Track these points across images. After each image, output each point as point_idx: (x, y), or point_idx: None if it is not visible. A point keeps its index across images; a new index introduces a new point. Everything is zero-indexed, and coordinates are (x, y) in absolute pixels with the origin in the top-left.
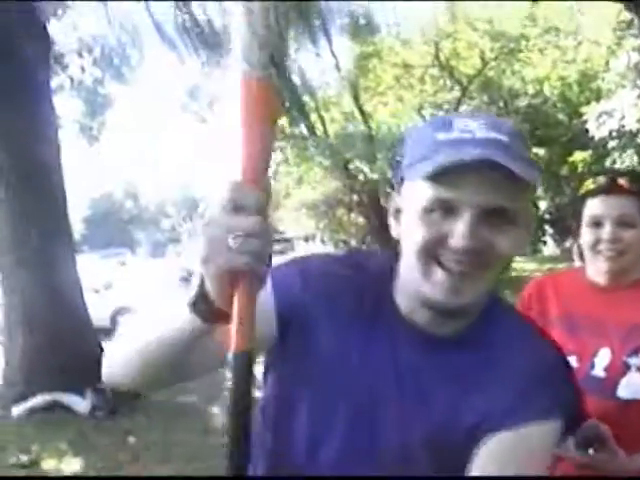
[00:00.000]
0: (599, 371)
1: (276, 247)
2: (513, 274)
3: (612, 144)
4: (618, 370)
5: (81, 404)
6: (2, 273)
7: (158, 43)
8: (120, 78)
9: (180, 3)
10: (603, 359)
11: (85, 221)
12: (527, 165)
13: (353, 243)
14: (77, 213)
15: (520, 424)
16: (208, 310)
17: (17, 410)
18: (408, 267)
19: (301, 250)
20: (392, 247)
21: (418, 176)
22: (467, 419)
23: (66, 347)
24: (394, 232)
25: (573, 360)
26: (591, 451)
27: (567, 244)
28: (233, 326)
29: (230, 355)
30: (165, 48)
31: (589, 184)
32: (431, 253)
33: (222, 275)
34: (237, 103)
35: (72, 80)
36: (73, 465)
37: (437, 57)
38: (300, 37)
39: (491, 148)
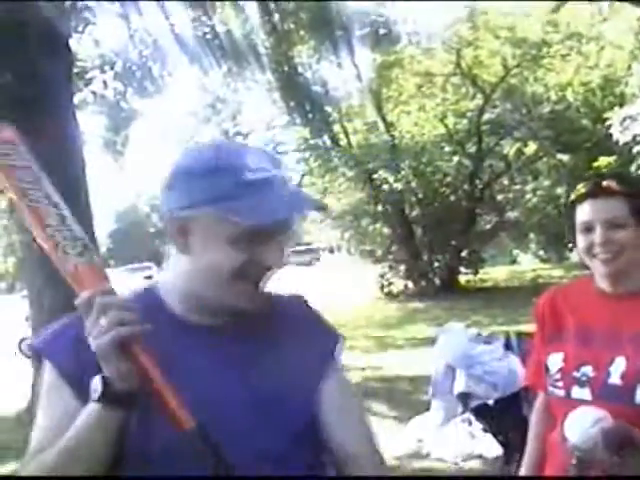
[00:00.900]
0: (616, 379)
1: (303, 259)
2: (540, 281)
3: (637, 149)
4: (634, 377)
5: None
6: (30, 291)
7: (180, 56)
8: (143, 92)
9: (200, 14)
10: (619, 367)
11: (111, 236)
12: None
13: (379, 253)
14: (103, 228)
15: (331, 370)
16: (113, 395)
17: None
18: (198, 279)
19: (327, 261)
20: (417, 255)
21: (235, 215)
22: (286, 389)
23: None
24: (176, 247)
25: (589, 370)
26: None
27: None
28: (167, 412)
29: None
30: (187, 61)
31: (579, 190)
32: (242, 273)
33: (110, 348)
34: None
35: (95, 95)
36: None
37: (459, 65)
38: (322, 48)
39: (288, 190)
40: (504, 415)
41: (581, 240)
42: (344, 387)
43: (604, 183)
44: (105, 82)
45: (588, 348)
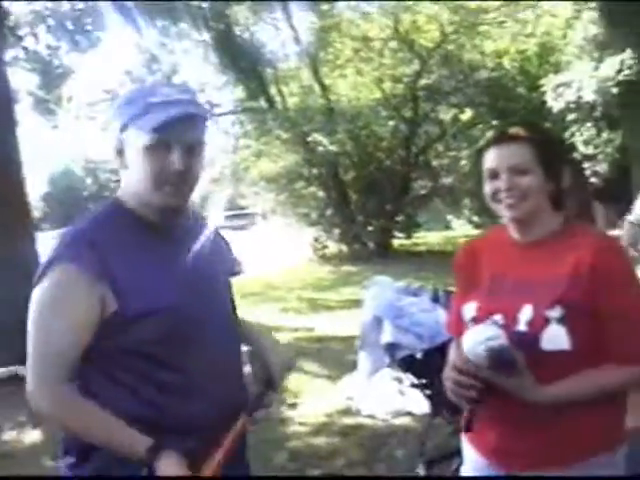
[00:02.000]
0: (522, 326)
1: (238, 222)
2: None
3: (571, 117)
4: (540, 324)
5: None
6: None
7: (114, 14)
8: (76, 46)
9: None
10: (526, 314)
11: (44, 199)
12: (205, 109)
13: (313, 216)
14: (37, 191)
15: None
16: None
17: None
18: (138, 185)
19: (261, 224)
20: (352, 218)
21: (143, 127)
22: (215, 283)
23: (27, 321)
24: (117, 165)
25: (499, 318)
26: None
27: None
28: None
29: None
30: (121, 19)
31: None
32: (160, 176)
33: None
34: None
35: (26, 51)
36: (33, 436)
37: (396, 30)
38: (259, 10)
39: (186, 105)
40: (430, 366)
41: (488, 186)
42: None
43: (509, 130)
44: (36, 35)
45: (499, 296)
